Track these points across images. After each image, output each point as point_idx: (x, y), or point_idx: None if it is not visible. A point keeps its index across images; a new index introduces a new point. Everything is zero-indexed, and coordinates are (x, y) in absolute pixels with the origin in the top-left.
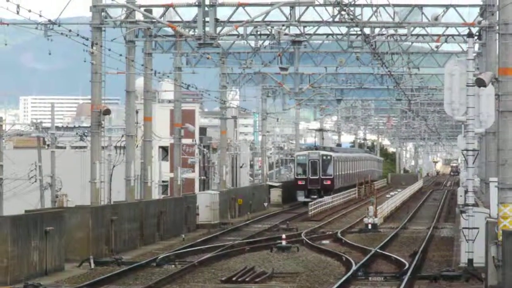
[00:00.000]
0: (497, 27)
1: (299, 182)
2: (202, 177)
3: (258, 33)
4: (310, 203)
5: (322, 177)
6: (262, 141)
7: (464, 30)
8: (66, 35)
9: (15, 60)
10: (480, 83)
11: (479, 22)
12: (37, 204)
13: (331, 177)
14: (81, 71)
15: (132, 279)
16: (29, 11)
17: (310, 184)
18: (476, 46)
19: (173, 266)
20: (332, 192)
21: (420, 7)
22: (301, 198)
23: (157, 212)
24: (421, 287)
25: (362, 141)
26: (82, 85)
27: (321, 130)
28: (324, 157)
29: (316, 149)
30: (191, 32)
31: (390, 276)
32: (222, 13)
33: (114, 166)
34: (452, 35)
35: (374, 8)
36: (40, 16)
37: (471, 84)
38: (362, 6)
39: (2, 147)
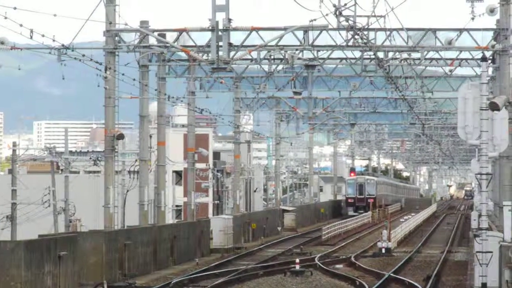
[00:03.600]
0: (511, 51)
1: (349, 200)
2: (216, 202)
3: (272, 57)
4: (323, 228)
5: (367, 196)
6: (275, 166)
7: (478, 54)
8: (80, 60)
9: (28, 85)
10: (494, 107)
11: (493, 46)
12: (51, 228)
13: (374, 196)
14: (95, 95)
15: None
16: (43, 35)
17: (358, 202)
18: (490, 70)
19: None
20: (375, 208)
21: (434, 31)
22: (350, 212)
23: (171, 237)
24: None
25: (376, 165)
26: (95, 110)
27: (368, 159)
28: (369, 181)
29: (362, 174)
30: (204, 57)
31: None
32: (236, 38)
33: (127, 191)
34: (466, 59)
35: (388, 32)
36: (54, 40)
37: (484, 108)
38: (375, 30)
39: (16, 172)
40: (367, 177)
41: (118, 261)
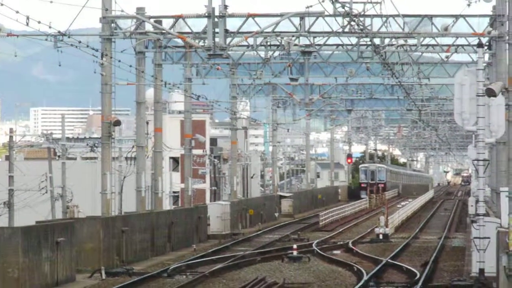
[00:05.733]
0: (507, 37)
1: (362, 185)
2: (213, 188)
3: (268, 43)
4: (321, 214)
5: (378, 181)
6: (272, 152)
7: (474, 40)
8: (76, 46)
9: (25, 71)
10: (490, 93)
11: (489, 32)
12: (48, 215)
13: (384, 181)
14: (91, 82)
15: None
16: (39, 22)
17: (369, 186)
18: (486, 56)
19: (184, 276)
20: (385, 191)
21: (430, 17)
22: (363, 196)
23: (168, 223)
24: None
25: (373, 151)
26: (92, 96)
27: (375, 149)
28: (380, 168)
29: (374, 162)
30: (201, 43)
31: (401, 286)
32: (232, 24)
33: (124, 177)
34: (462, 45)
35: (384, 19)
36: (50, 27)
37: (481, 94)
38: (372, 16)
39: (13, 158)
40: (378, 165)
41: (116, 247)
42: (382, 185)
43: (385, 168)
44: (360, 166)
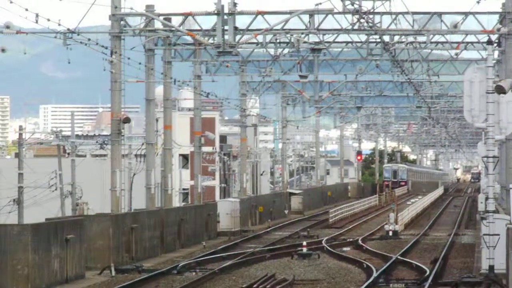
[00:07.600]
0: None
1: (385, 183)
2: (223, 185)
3: (278, 41)
4: (330, 211)
5: (399, 180)
6: (282, 149)
7: (484, 38)
8: (85, 44)
9: (34, 69)
10: (500, 90)
11: (498, 29)
12: (58, 212)
13: (406, 180)
14: (101, 79)
15: (152, 287)
16: (48, 20)
17: (392, 184)
18: (496, 53)
19: (193, 273)
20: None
21: (439, 14)
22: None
23: (178, 220)
24: None
25: (383, 149)
26: (101, 94)
27: (398, 151)
28: (402, 168)
29: (397, 163)
30: (210, 40)
31: (411, 283)
32: (241, 21)
33: (134, 174)
34: (472, 43)
35: (393, 16)
36: (59, 25)
37: (490, 91)
38: (381, 13)
39: (22, 155)
40: (400, 165)
41: (125, 245)
42: (403, 183)
43: (406, 168)
44: (384, 166)
